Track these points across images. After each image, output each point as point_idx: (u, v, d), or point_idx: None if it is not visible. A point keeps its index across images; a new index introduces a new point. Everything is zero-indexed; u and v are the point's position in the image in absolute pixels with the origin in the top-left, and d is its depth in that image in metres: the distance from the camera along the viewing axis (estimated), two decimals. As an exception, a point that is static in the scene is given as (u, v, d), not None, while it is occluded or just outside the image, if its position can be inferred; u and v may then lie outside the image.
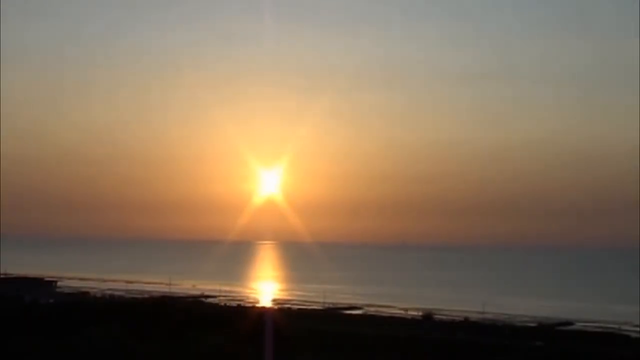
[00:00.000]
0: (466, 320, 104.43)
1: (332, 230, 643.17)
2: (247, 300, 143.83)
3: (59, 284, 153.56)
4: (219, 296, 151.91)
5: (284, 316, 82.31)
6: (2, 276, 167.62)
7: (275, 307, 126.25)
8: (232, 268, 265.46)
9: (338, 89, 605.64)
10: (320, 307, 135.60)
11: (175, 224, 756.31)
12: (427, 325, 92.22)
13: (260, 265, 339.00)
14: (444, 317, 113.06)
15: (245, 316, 66.77)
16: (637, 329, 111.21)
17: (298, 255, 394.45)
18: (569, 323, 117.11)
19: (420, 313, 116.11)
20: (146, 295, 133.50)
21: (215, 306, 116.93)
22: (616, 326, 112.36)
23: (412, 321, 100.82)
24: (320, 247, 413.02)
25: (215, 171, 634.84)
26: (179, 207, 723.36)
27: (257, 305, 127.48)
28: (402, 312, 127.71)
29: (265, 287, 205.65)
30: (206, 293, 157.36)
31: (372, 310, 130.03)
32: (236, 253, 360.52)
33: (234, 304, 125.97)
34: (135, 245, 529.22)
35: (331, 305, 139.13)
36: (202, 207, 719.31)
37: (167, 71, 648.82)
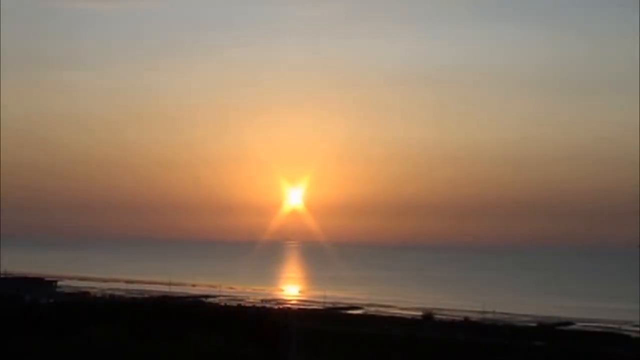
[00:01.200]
0: (466, 320, 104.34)
1: (347, 230, 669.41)
2: (247, 300, 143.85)
3: (59, 283, 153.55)
4: (219, 296, 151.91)
5: (284, 316, 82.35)
6: (2, 276, 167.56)
7: (275, 307, 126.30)
8: (260, 268, 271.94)
9: (361, 90, 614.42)
10: (320, 307, 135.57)
11: (213, 225, 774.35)
12: (427, 325, 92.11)
13: (280, 264, 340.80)
14: (444, 317, 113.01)
15: (245, 316, 66.79)
16: (637, 328, 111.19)
17: (314, 254, 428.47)
18: (569, 323, 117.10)
19: (420, 313, 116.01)
20: (146, 295, 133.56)
21: (216, 306, 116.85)
22: (616, 326, 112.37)
23: (412, 321, 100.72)
24: (334, 246, 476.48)
25: (245, 176, 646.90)
26: (217, 210, 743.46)
27: (257, 305, 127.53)
28: (402, 311, 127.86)
29: (274, 287, 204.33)
30: (206, 293, 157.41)
31: (372, 310, 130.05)
32: (269, 251, 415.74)
33: (234, 303, 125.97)
34: (166, 245, 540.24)
35: (331, 305, 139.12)
36: (238, 211, 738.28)
37: (198, 73, 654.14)
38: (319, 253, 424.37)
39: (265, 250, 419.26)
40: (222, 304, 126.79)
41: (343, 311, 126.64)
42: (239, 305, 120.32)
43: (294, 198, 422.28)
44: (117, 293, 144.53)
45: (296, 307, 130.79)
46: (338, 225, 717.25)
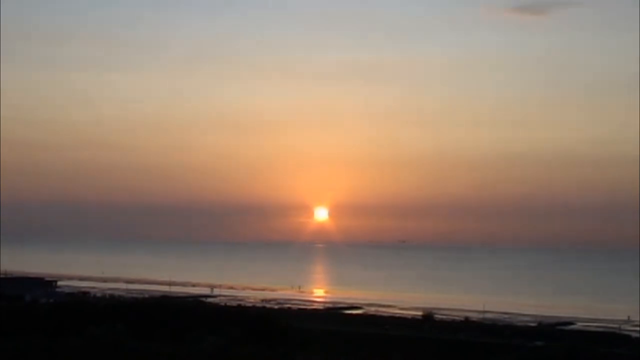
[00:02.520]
0: (467, 320, 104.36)
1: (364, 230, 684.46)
2: (248, 300, 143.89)
3: (59, 283, 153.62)
4: (220, 296, 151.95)
5: (284, 316, 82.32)
6: (2, 276, 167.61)
7: (276, 307, 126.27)
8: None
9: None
10: (320, 307, 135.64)
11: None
12: (427, 325, 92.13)
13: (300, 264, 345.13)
14: (444, 317, 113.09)
15: (246, 316, 66.73)
16: (638, 328, 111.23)
17: (333, 255, 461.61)
18: (569, 323, 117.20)
19: (420, 313, 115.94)
20: (146, 295, 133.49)
21: (216, 306, 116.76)
22: (616, 326, 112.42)
23: (412, 321, 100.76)
24: (349, 247, 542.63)
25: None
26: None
27: (257, 305, 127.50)
28: (402, 312, 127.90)
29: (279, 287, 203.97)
30: (207, 293, 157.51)
31: (372, 310, 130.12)
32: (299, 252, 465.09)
33: (234, 303, 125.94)
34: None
35: (331, 305, 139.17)
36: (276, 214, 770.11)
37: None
38: (338, 254, 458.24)
39: (297, 251, 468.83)
40: (223, 304, 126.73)
41: (343, 311, 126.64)
42: (239, 305, 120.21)
43: (321, 212, 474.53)
44: (117, 293, 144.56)
45: (296, 307, 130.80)
46: (359, 226, 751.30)
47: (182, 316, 58.06)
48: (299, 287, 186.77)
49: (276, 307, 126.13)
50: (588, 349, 69.07)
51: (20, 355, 41.32)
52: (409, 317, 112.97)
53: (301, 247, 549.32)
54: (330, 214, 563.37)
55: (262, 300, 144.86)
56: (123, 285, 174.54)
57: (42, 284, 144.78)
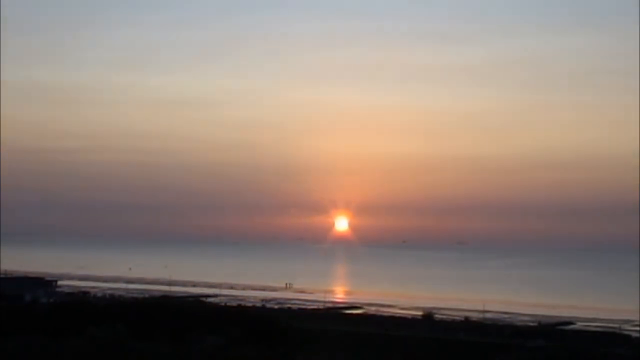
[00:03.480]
0: (467, 320, 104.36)
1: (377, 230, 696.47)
2: (248, 300, 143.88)
3: (59, 283, 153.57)
4: (220, 296, 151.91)
5: (284, 316, 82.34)
6: (2, 275, 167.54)
7: (276, 307, 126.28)
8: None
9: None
10: (320, 307, 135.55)
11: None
12: (427, 325, 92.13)
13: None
14: (444, 317, 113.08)
15: (246, 316, 66.71)
16: (638, 328, 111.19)
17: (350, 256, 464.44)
18: (569, 323, 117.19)
19: (420, 313, 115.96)
20: (146, 295, 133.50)
21: (216, 306, 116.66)
22: (616, 326, 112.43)
23: (412, 321, 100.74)
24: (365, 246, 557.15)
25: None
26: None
27: (257, 305, 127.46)
28: (402, 311, 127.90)
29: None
30: (207, 292, 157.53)
31: (372, 310, 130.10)
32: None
33: (234, 303, 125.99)
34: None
35: (331, 305, 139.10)
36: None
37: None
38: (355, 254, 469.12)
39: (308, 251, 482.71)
40: (223, 303, 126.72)
41: (343, 311, 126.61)
42: (240, 305, 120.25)
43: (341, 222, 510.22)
44: (117, 293, 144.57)
45: (296, 307, 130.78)
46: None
47: (182, 316, 58.01)
48: (289, 285, 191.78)
49: (276, 307, 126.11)
50: (588, 349, 69.04)
51: (20, 355, 41.32)
52: (409, 317, 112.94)
53: (313, 248, 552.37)
54: (348, 215, 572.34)
55: (262, 300, 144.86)
56: (123, 285, 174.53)
57: (42, 284, 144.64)
